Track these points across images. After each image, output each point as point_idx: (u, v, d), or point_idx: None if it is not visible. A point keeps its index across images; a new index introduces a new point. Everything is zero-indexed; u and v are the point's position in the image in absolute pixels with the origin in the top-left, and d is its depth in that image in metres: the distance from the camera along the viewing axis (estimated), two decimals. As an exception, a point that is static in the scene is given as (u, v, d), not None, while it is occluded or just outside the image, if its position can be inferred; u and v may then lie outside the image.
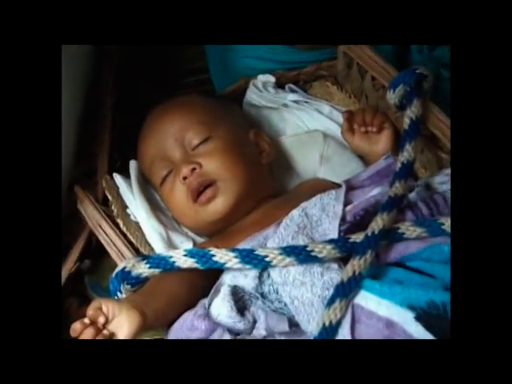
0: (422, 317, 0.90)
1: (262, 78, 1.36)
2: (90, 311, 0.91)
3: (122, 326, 0.90)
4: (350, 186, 1.11)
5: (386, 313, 0.92)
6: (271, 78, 1.36)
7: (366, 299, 0.93)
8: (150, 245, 1.17)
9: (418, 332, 0.90)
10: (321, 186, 1.17)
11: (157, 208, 1.21)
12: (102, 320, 0.90)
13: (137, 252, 1.15)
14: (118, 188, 1.23)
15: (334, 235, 1.01)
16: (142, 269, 1.01)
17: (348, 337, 0.90)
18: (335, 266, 0.97)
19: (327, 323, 0.91)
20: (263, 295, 0.99)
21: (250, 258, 0.97)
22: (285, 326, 0.95)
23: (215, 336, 0.95)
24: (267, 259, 0.96)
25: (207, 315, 0.97)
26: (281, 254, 0.96)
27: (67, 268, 1.24)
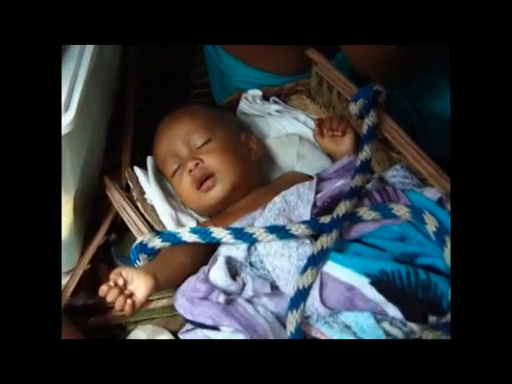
0: (376, 282, 0.90)
1: (251, 92, 1.34)
2: (112, 275, 0.91)
3: (139, 287, 0.90)
4: (320, 178, 1.10)
5: (347, 279, 0.91)
6: (259, 92, 1.35)
7: (331, 268, 0.92)
8: (162, 223, 1.15)
9: (373, 294, 0.90)
10: (297, 178, 1.15)
11: (168, 194, 1.20)
12: (120, 282, 0.90)
13: (152, 229, 1.14)
14: (137, 178, 1.20)
15: (307, 217, 0.99)
16: (156, 242, 1.00)
17: (317, 298, 0.90)
18: (308, 241, 0.96)
19: (301, 287, 0.90)
20: (251, 264, 0.97)
21: (241, 234, 0.96)
22: (267, 289, 0.94)
23: (213, 296, 0.94)
24: (254, 236, 0.95)
25: (207, 279, 0.96)
26: (265, 231, 0.95)
27: (98, 240, 1.23)
